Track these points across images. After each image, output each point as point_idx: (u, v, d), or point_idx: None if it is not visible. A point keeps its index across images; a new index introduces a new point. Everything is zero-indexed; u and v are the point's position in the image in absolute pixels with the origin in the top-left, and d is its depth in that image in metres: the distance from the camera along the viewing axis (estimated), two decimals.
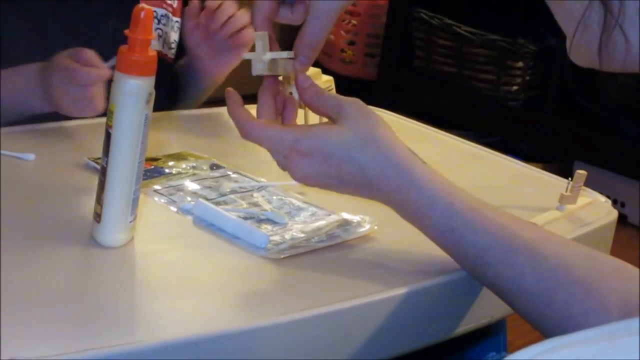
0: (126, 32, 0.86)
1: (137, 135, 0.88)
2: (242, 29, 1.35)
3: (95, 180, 1.07)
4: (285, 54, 0.94)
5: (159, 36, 1.39)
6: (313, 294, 0.88)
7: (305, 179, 0.93)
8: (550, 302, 0.86)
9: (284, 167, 0.93)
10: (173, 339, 0.77)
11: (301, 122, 1.07)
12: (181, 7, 1.43)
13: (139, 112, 0.87)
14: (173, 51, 1.43)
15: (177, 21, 1.42)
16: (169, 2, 1.40)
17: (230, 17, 1.34)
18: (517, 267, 0.88)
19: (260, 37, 0.92)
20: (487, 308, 0.97)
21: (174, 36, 1.42)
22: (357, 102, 0.94)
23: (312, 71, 1.08)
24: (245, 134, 0.92)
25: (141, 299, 0.84)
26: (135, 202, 0.91)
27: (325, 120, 0.98)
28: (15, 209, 0.96)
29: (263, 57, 0.92)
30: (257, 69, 0.92)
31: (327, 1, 0.93)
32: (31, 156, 1.10)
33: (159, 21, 1.39)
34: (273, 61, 0.93)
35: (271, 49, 0.93)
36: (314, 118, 1.18)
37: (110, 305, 0.81)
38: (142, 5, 0.89)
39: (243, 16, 1.35)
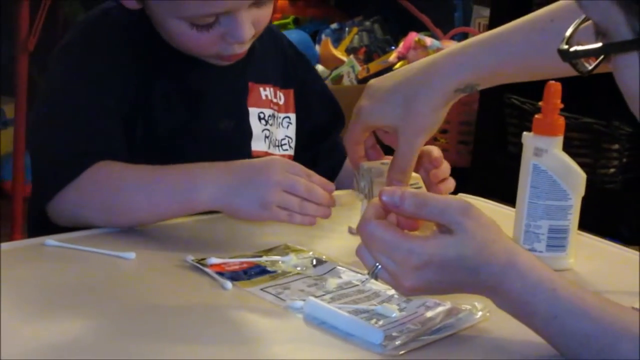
0: (540, 103, 1.15)
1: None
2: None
3: (193, 278, 1.08)
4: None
5: (266, 137, 1.37)
6: None
7: (414, 292, 0.92)
8: None
9: (391, 274, 0.91)
10: None
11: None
12: (292, 102, 1.41)
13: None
14: (284, 147, 1.40)
15: (285, 117, 1.41)
16: (274, 101, 1.39)
17: None
18: (622, 354, 0.85)
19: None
20: None
21: (283, 132, 1.40)
22: (461, 205, 0.91)
23: None
24: (362, 228, 0.92)
25: None
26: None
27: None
28: (116, 306, 0.99)
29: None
30: None
31: (411, 132, 1.12)
32: (132, 255, 1.12)
33: (267, 122, 1.37)
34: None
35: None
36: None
37: None
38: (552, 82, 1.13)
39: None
